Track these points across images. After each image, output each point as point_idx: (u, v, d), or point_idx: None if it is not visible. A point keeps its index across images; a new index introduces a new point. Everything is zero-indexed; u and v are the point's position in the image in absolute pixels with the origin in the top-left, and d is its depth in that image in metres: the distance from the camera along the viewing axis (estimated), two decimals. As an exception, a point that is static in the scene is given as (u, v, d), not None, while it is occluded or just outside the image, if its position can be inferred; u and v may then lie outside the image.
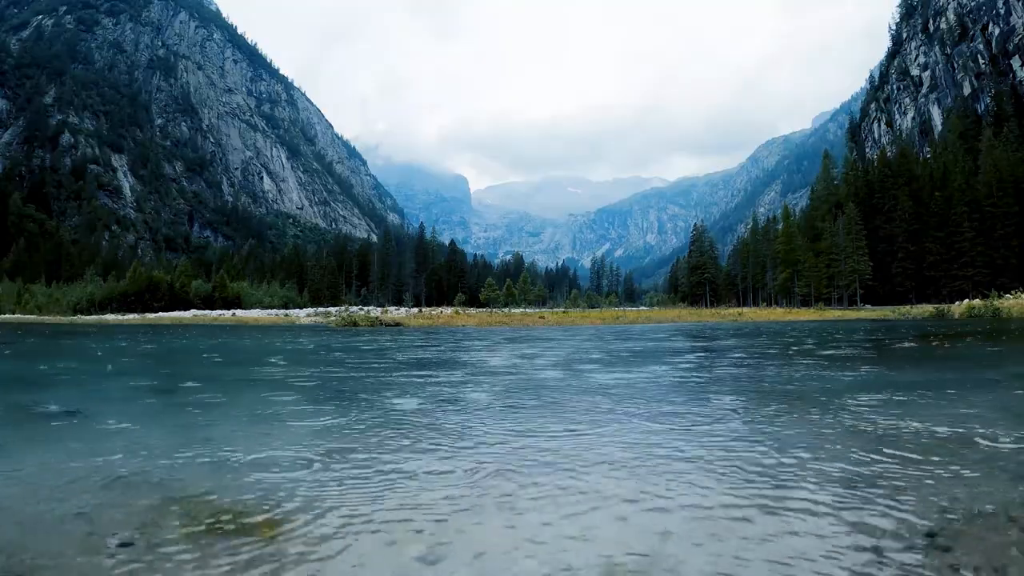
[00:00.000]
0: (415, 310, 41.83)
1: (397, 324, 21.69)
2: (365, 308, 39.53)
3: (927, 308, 29.87)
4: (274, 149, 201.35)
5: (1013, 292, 28.70)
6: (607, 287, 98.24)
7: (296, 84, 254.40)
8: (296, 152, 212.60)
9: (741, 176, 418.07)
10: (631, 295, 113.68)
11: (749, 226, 77.06)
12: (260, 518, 1.57)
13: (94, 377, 6.01)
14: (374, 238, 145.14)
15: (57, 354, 9.63)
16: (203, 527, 1.49)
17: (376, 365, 6.82)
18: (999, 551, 1.31)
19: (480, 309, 46.48)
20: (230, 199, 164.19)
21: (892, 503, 1.65)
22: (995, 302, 23.60)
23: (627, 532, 1.44)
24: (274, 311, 44.10)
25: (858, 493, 1.74)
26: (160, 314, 40.64)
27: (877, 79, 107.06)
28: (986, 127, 62.53)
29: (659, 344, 10.52)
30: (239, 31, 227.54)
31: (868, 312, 33.33)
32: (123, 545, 1.39)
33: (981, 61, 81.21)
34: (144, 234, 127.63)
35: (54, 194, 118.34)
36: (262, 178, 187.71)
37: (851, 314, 30.82)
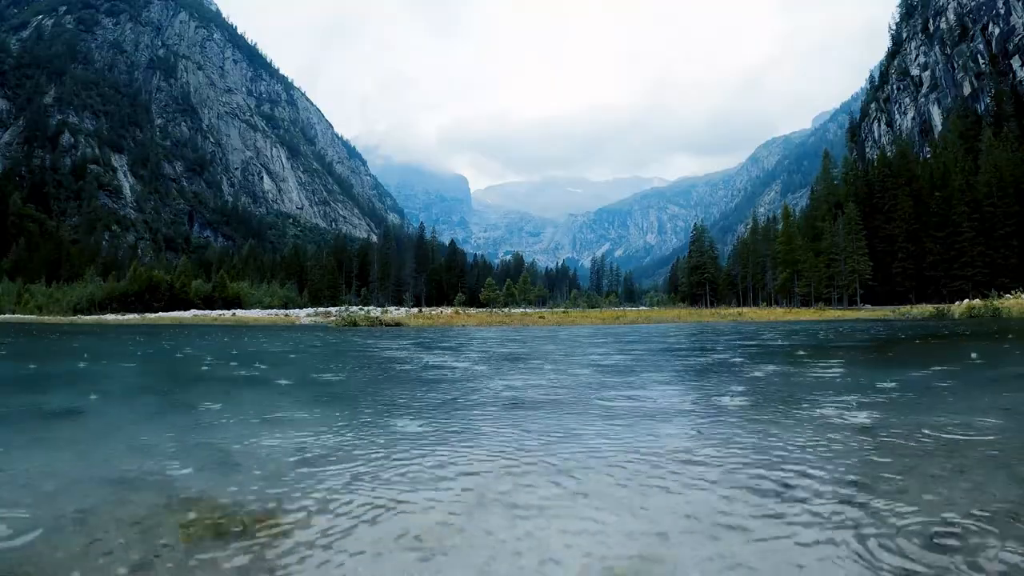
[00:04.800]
0: (415, 310, 41.83)
1: (397, 324, 21.70)
2: (365, 308, 39.52)
3: (927, 308, 29.88)
4: (274, 149, 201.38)
5: (1013, 292, 28.72)
6: (607, 287, 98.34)
7: (296, 84, 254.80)
8: (296, 152, 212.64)
9: (741, 176, 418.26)
10: (631, 295, 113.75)
11: (749, 226, 77.10)
12: (260, 519, 1.57)
13: (94, 377, 6.01)
14: (374, 238, 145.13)
15: (60, 354, 9.63)
16: (203, 527, 1.50)
17: (376, 366, 6.82)
18: (1000, 552, 1.31)
19: (480, 309, 46.49)
20: (230, 199, 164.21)
21: (892, 503, 1.64)
22: (995, 302, 23.62)
23: (625, 533, 1.45)
24: (274, 311, 44.09)
25: (857, 493, 1.74)
26: (160, 314, 40.64)
27: (877, 79, 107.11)
28: (986, 127, 62.53)
29: (659, 344, 10.52)
30: (239, 31, 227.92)
31: (868, 312, 33.34)
32: (123, 546, 1.39)
33: (981, 61, 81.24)
34: (144, 234, 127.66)
35: (54, 194, 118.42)
36: (262, 178, 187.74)
37: (851, 314, 30.83)
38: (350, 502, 1.71)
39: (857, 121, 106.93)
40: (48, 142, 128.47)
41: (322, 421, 3.13)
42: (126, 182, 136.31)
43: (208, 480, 1.98)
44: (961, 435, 2.58)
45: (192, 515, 1.60)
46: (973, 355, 6.83)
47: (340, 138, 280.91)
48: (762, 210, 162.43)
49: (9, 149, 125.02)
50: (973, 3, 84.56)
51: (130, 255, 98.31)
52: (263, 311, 44.25)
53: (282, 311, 44.05)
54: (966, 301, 26.91)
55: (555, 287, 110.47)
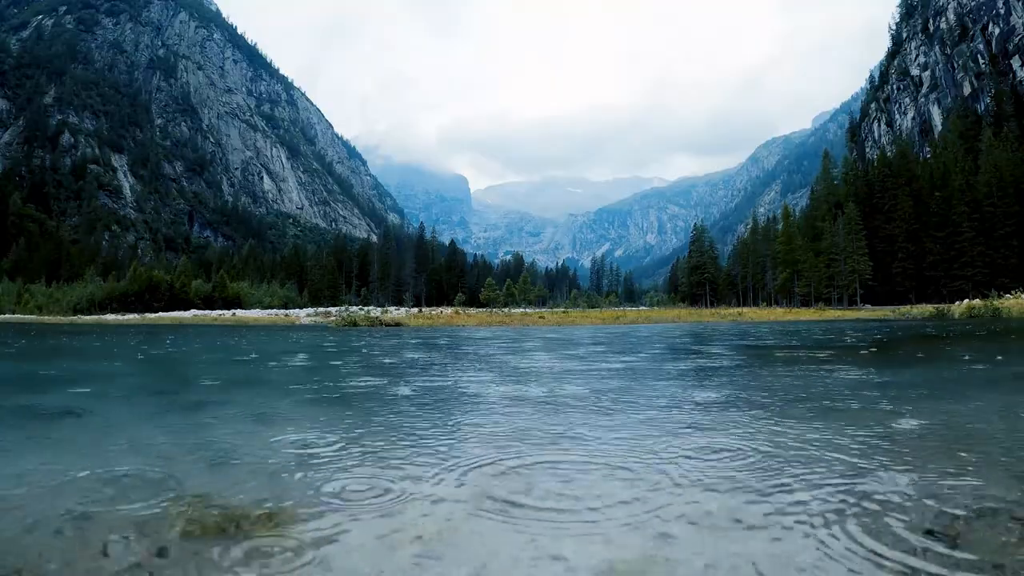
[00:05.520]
0: (415, 310, 41.83)
1: (397, 324, 21.70)
2: (365, 308, 39.50)
3: (927, 308, 29.88)
4: (274, 149, 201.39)
5: (1013, 292, 28.73)
6: (607, 287, 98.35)
7: (296, 84, 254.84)
8: (296, 152, 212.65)
9: (741, 176, 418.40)
10: (631, 295, 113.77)
11: (749, 226, 77.12)
12: (260, 518, 1.57)
13: (94, 377, 6.01)
14: (374, 238, 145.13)
15: (60, 354, 9.63)
16: (203, 527, 1.50)
17: (376, 365, 6.82)
18: (1000, 551, 1.31)
19: (480, 309, 46.48)
20: (230, 199, 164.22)
21: (893, 504, 1.64)
22: (995, 302, 23.62)
23: (626, 533, 1.45)
24: (274, 311, 44.09)
25: (857, 493, 1.74)
26: (160, 314, 40.64)
27: (877, 79, 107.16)
28: (986, 127, 62.54)
29: (659, 345, 10.52)
30: (239, 31, 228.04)
31: (868, 312, 33.34)
32: (123, 545, 1.39)
33: (981, 61, 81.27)
34: (144, 234, 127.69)
35: (54, 194, 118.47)
36: (262, 178, 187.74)
37: (851, 314, 30.83)
38: (350, 502, 1.71)
39: (857, 121, 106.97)
40: (48, 142, 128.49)
41: (322, 421, 3.13)
42: (126, 182, 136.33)
43: (208, 480, 1.98)
44: (961, 435, 2.58)
45: (192, 515, 1.60)
46: (972, 355, 6.84)
47: (340, 138, 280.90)
48: (762, 210, 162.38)
49: (9, 149, 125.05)
50: (973, 3, 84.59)
51: (130, 255, 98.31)
52: (263, 311, 44.25)
53: (282, 311, 44.05)
54: (966, 301, 26.91)
55: (555, 287, 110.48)
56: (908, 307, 35.66)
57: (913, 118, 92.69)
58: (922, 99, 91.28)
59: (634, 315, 30.78)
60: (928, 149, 73.72)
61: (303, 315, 34.08)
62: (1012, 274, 44.69)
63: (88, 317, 42.07)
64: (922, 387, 4.32)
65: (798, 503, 1.67)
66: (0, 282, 60.91)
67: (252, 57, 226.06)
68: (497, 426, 2.92)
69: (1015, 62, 75.68)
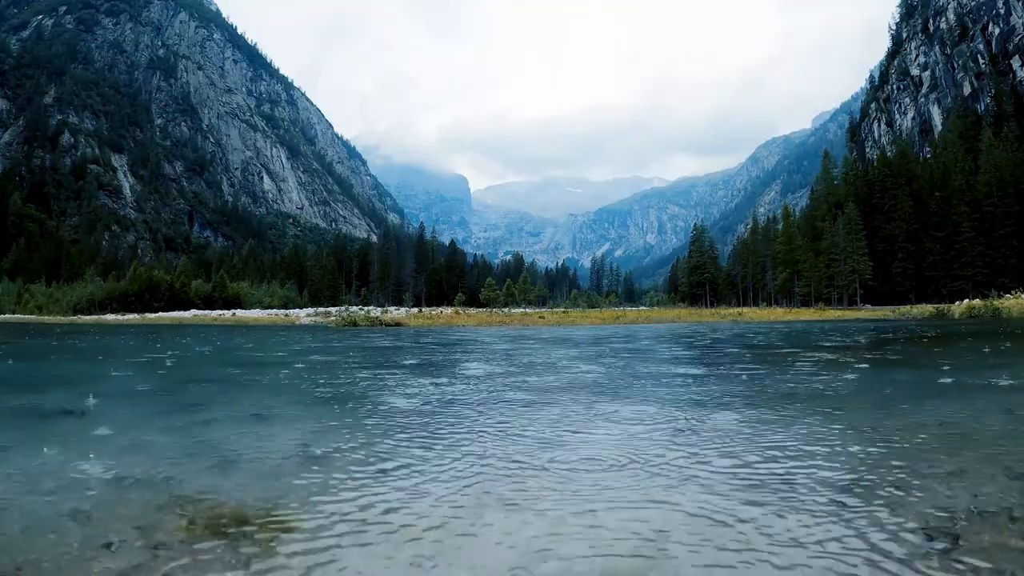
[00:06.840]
0: (415, 310, 41.80)
1: (397, 324, 21.69)
2: (365, 308, 39.47)
3: (927, 308, 29.87)
4: (274, 149, 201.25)
5: (1013, 292, 28.71)
6: (607, 287, 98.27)
7: (296, 84, 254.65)
8: (296, 152, 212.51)
9: (741, 176, 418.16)
10: (631, 295, 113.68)
11: (749, 226, 77.10)
12: (261, 518, 1.57)
13: (94, 377, 6.01)
14: (374, 238, 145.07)
15: (60, 355, 9.63)
16: (203, 527, 1.50)
17: (376, 365, 6.82)
18: (1000, 551, 1.32)
19: (480, 309, 46.46)
20: (230, 199, 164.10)
21: (892, 503, 1.65)
22: (995, 302, 23.61)
23: (625, 533, 1.45)
24: (274, 311, 44.06)
25: (857, 493, 1.74)
26: (160, 314, 40.62)
27: (877, 79, 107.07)
28: (986, 127, 62.48)
29: (658, 345, 10.52)
30: (239, 31, 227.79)
31: (868, 312, 33.33)
32: (123, 545, 1.39)
33: (981, 61, 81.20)
34: (144, 234, 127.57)
35: (54, 194, 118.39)
36: (262, 178, 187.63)
37: (851, 314, 30.82)
38: (350, 502, 1.72)
39: (857, 121, 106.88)
40: (48, 142, 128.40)
41: (322, 421, 3.14)
42: (126, 182, 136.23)
43: (208, 480, 1.98)
44: (961, 435, 2.58)
45: (192, 515, 1.60)
46: (972, 356, 6.84)
47: (340, 138, 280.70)
48: (762, 210, 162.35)
49: (9, 149, 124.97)
50: (973, 3, 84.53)
51: (130, 255, 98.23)
52: (263, 311, 44.23)
53: (282, 311, 44.02)
54: (966, 301, 26.89)
55: (555, 287, 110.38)
56: (908, 307, 35.66)
57: (913, 118, 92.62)
58: (922, 99, 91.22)
59: (634, 315, 30.77)
60: (928, 149, 73.65)
61: (303, 315, 34.05)
62: (1012, 274, 44.65)
63: (88, 317, 42.06)
64: (922, 387, 4.32)
65: (798, 502, 1.67)
66: (0, 282, 60.88)
67: (252, 57, 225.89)
68: (497, 429, 2.93)
69: (1015, 62, 75.63)
